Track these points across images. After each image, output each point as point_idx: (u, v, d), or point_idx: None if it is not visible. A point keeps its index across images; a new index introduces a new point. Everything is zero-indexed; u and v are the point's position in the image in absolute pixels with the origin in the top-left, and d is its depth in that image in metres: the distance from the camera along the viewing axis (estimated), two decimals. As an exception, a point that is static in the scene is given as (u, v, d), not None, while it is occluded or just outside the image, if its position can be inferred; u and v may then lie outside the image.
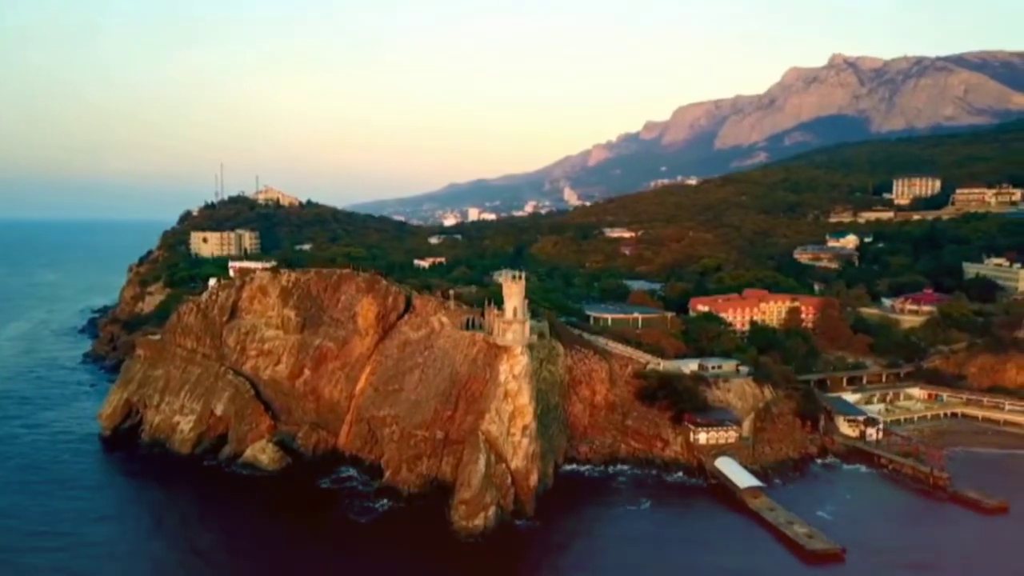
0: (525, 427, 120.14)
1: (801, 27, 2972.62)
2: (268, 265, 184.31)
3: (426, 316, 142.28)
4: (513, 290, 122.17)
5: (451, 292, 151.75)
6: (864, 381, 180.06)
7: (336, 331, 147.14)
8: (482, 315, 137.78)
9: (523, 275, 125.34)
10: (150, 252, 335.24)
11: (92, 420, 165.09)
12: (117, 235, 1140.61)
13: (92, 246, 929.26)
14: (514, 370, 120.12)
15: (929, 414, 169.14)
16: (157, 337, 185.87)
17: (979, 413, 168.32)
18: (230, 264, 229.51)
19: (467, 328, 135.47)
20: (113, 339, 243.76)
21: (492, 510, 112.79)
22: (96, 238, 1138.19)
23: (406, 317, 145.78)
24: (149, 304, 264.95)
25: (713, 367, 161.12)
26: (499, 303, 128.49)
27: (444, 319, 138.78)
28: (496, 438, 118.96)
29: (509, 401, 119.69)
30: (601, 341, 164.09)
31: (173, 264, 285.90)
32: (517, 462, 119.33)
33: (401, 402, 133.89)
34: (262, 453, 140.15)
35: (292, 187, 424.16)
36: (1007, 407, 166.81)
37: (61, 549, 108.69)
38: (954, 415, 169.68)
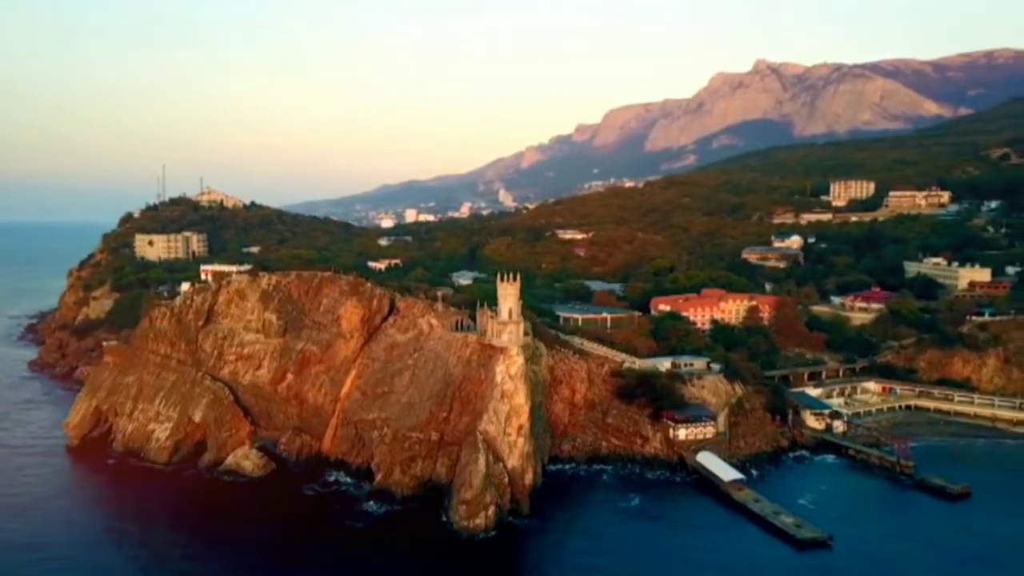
0: (521, 427, 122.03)
1: (727, 33, 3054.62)
2: (244, 268, 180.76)
3: (413, 318, 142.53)
4: (508, 291, 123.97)
5: (439, 294, 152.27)
6: (823, 376, 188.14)
7: (319, 334, 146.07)
8: (470, 317, 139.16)
9: (518, 276, 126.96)
10: (91, 256, 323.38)
11: (55, 430, 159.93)
12: (43, 239, 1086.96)
13: (12, 250, 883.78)
14: (510, 370, 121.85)
15: (885, 407, 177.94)
16: (114, 343, 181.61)
17: (931, 405, 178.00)
18: (202, 268, 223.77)
19: (456, 330, 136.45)
20: (62, 346, 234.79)
21: (492, 509, 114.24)
22: (15, 242, 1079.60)
23: (391, 319, 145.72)
24: (95, 309, 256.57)
25: (686, 365, 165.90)
26: (492, 305, 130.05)
27: (433, 321, 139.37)
28: (494, 438, 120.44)
29: (505, 401, 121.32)
30: (576, 341, 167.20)
31: (118, 268, 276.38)
32: (513, 461, 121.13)
33: (391, 404, 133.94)
34: (245, 459, 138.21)
35: (225, 188, 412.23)
36: (956, 399, 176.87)
37: (41, 563, 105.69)
38: (908, 407, 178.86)
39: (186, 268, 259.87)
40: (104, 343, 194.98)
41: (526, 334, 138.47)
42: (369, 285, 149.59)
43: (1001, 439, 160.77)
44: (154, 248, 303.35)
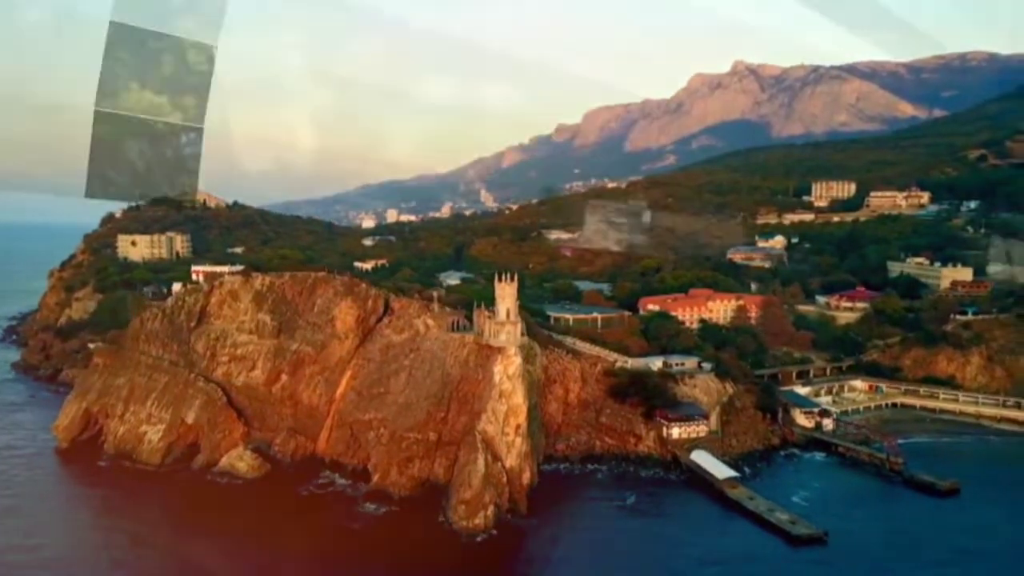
0: (518, 426, 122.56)
1: (705, 34, 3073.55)
2: (236, 269, 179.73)
3: (409, 319, 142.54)
4: (506, 291, 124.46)
5: (435, 295, 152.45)
6: (811, 375, 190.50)
7: (313, 335, 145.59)
8: (466, 317, 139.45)
9: (515, 276, 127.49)
10: (72, 256, 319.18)
11: (42, 433, 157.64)
12: (30, 240, 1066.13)
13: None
14: (508, 371, 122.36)
15: (872, 404, 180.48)
16: (102, 344, 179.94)
17: (917, 402, 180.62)
18: (193, 268, 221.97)
19: (453, 330, 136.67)
20: (45, 347, 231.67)
21: (491, 509, 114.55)
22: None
23: (386, 320, 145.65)
24: (78, 310, 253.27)
25: (677, 364, 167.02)
26: (483, 305, 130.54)
27: (430, 321, 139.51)
28: (492, 438, 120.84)
29: (503, 401, 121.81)
30: (569, 340, 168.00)
31: (101, 268, 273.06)
32: (511, 461, 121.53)
33: (387, 405, 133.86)
34: (240, 461, 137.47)
35: (208, 188, 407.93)
36: (941, 396, 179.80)
37: (34, 565, 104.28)
38: (894, 405, 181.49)
39: (170, 269, 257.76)
40: (90, 344, 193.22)
41: (522, 334, 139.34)
42: (364, 286, 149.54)
43: (986, 435, 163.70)
44: (137, 248, 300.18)
